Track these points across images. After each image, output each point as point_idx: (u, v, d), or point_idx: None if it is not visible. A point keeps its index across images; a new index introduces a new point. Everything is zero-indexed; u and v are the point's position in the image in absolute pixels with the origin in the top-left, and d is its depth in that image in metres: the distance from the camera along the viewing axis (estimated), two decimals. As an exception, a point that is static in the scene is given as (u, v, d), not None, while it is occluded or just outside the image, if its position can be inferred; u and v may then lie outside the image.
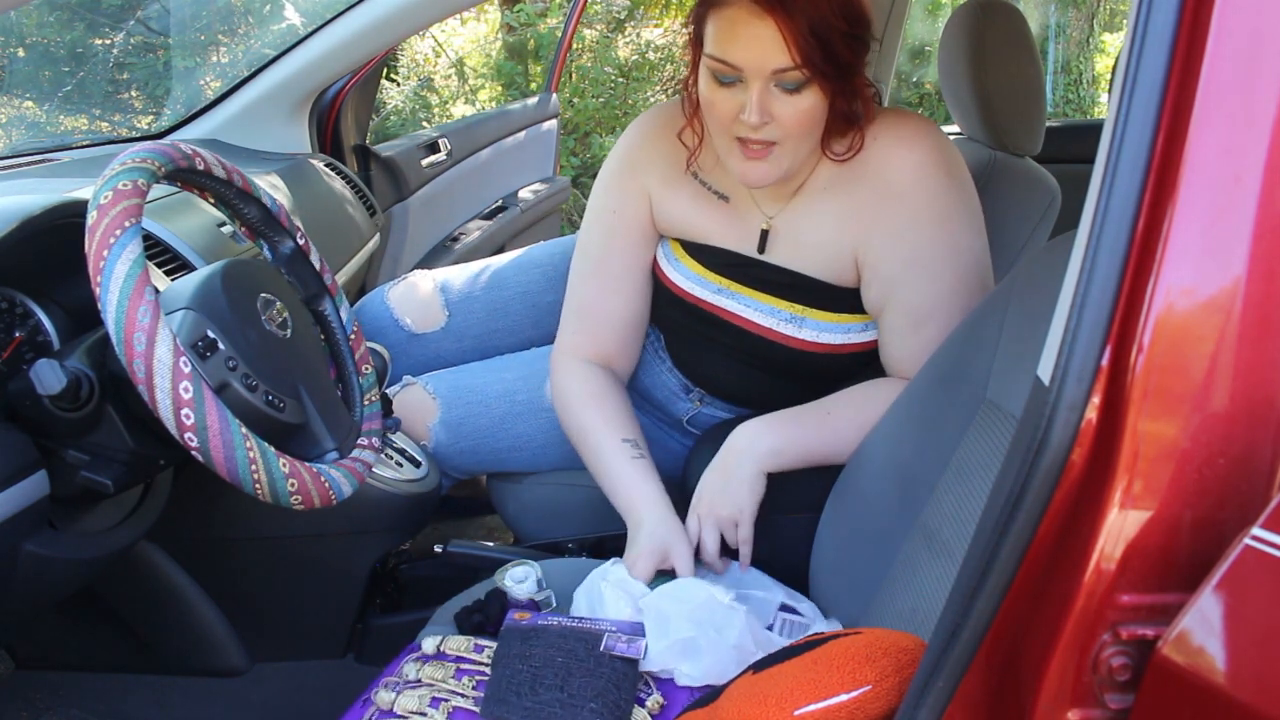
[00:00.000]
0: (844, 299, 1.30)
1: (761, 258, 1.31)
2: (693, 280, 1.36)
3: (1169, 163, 0.54)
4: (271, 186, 1.68)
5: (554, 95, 3.00)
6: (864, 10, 1.16)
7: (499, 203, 2.70)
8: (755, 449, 1.23)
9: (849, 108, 1.20)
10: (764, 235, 1.31)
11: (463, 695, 0.97)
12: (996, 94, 1.60)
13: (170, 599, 1.41)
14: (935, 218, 1.23)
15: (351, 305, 1.32)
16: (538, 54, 5.60)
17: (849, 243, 1.26)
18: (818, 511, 1.25)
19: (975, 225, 1.27)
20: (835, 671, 0.76)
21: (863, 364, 1.35)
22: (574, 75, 5.52)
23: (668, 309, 1.41)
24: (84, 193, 1.07)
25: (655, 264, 1.41)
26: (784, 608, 1.18)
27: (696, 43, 1.19)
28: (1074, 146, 1.99)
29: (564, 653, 0.97)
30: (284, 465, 0.91)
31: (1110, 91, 0.63)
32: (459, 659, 1.02)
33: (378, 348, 1.47)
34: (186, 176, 1.03)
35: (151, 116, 3.93)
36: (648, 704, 0.98)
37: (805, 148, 1.20)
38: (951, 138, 1.78)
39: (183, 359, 0.85)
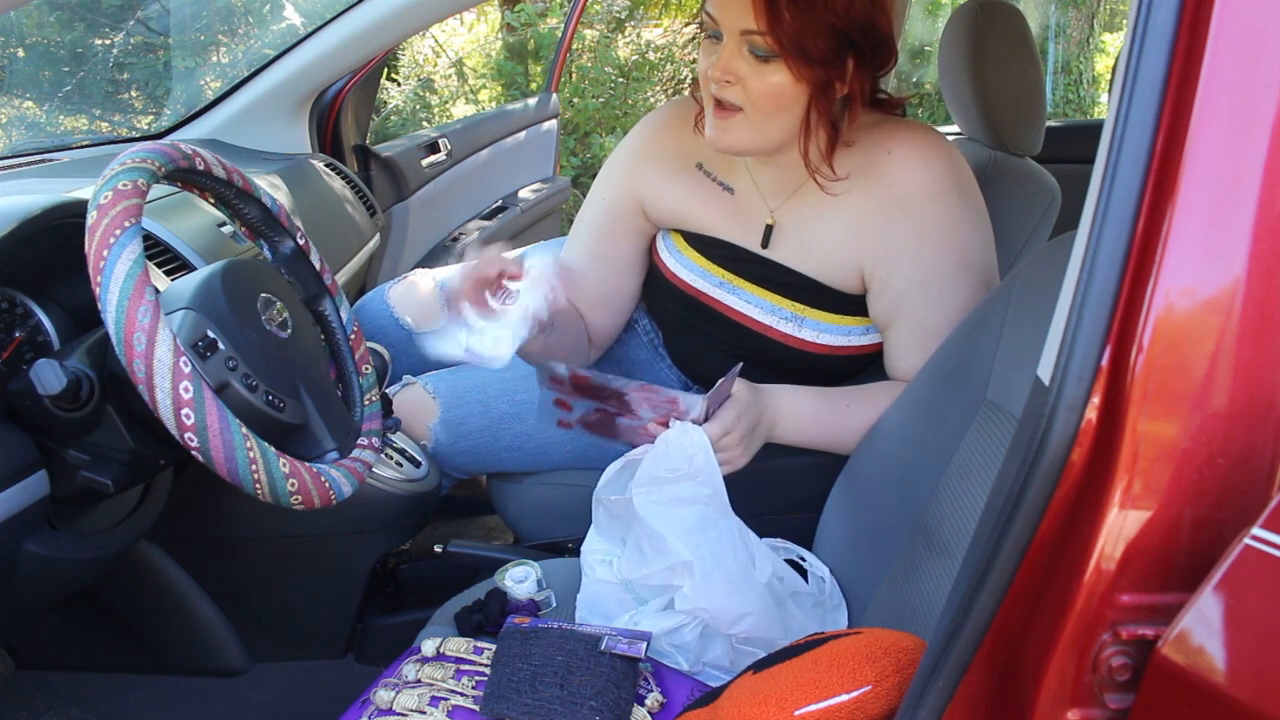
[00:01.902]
0: (845, 302, 1.30)
1: (764, 254, 1.31)
2: (694, 272, 1.36)
3: (1169, 163, 0.54)
4: (271, 186, 1.68)
5: (554, 95, 3.00)
6: (870, 20, 1.14)
7: (499, 203, 2.70)
8: (778, 424, 1.24)
9: (830, 112, 1.19)
10: (768, 231, 1.31)
11: (462, 694, 0.97)
12: (996, 94, 1.60)
13: (170, 599, 1.41)
14: (946, 236, 1.23)
15: (351, 305, 1.32)
16: (538, 54, 5.60)
17: (856, 254, 1.26)
18: (818, 512, 1.25)
19: (985, 241, 1.27)
20: (835, 671, 0.76)
21: (863, 365, 1.35)
22: (574, 75, 5.52)
23: (667, 302, 1.41)
24: (84, 193, 1.07)
25: (656, 255, 1.42)
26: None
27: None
28: (1074, 146, 1.99)
29: (564, 652, 0.97)
30: (284, 465, 0.91)
31: (1110, 91, 0.63)
32: (458, 660, 1.02)
33: (378, 348, 1.47)
34: (186, 176, 1.03)
35: (151, 116, 3.93)
36: (647, 702, 0.98)
37: (772, 128, 1.19)
38: (951, 138, 1.78)
39: (183, 359, 0.85)
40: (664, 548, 1.03)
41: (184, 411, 0.84)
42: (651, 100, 5.58)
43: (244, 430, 0.88)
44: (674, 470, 1.07)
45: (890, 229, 1.23)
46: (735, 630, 1.02)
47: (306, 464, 0.96)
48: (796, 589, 1.12)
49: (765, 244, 1.31)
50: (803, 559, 1.19)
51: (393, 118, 5.03)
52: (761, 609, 1.02)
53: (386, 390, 1.42)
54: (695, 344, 1.42)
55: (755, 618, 1.02)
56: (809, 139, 1.21)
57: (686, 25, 5.85)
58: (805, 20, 1.11)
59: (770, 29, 1.11)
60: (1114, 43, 6.31)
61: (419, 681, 0.99)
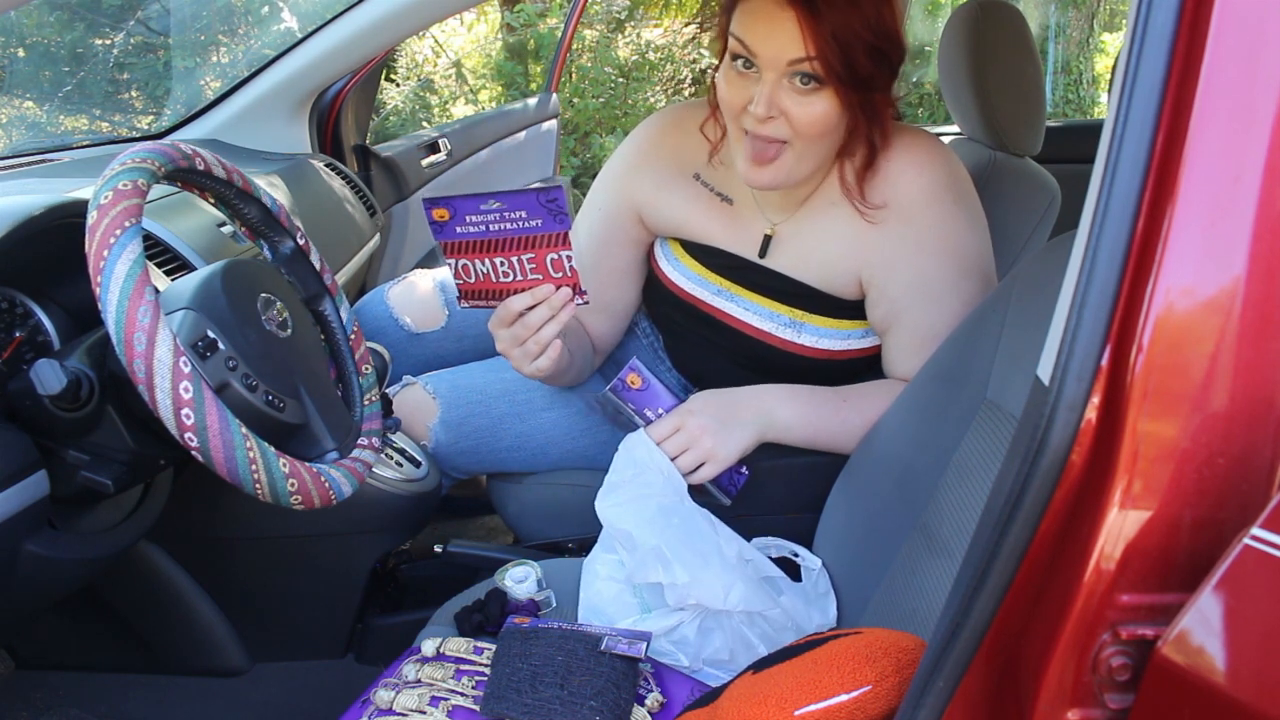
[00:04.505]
0: (844, 307, 1.30)
1: (762, 263, 1.31)
2: (692, 280, 1.36)
3: (1169, 163, 0.54)
4: (271, 186, 1.68)
5: (554, 95, 3.00)
6: (895, 31, 1.14)
7: (499, 203, 2.70)
8: (772, 415, 1.24)
9: (869, 131, 1.18)
10: (766, 240, 1.30)
11: (462, 694, 0.97)
12: (996, 94, 1.60)
13: (170, 599, 1.40)
14: (943, 243, 1.23)
15: (351, 305, 1.32)
16: (538, 54, 5.60)
17: (854, 262, 1.26)
18: (818, 511, 1.25)
19: (983, 245, 1.27)
20: (835, 671, 0.76)
21: (863, 368, 1.35)
22: (574, 75, 5.53)
23: (667, 309, 1.41)
24: (84, 193, 1.07)
25: (654, 263, 1.42)
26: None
27: (724, 31, 1.18)
28: (1074, 146, 1.99)
29: (564, 652, 0.97)
30: (284, 465, 0.91)
31: (1110, 91, 0.63)
32: (458, 660, 1.02)
33: (378, 348, 1.47)
34: (186, 176, 1.03)
35: (151, 116, 3.93)
36: (647, 702, 0.98)
37: (815, 156, 1.18)
38: (951, 138, 1.78)
39: (183, 359, 0.84)
40: (633, 543, 1.04)
41: (184, 411, 0.84)
42: (651, 100, 5.57)
43: (244, 430, 0.88)
44: (624, 473, 1.10)
45: (888, 237, 1.23)
46: (730, 604, 1.02)
47: (306, 464, 0.96)
48: (767, 574, 1.13)
49: (763, 253, 1.31)
50: (795, 554, 1.19)
51: (392, 118, 5.03)
52: (745, 580, 1.04)
53: (386, 390, 1.42)
54: (695, 349, 1.41)
55: (743, 587, 1.03)
56: (844, 163, 1.21)
57: (686, 25, 5.85)
58: (850, 43, 1.09)
59: (820, 53, 1.08)
60: (1114, 43, 6.31)
61: (419, 681, 0.99)
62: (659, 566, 1.03)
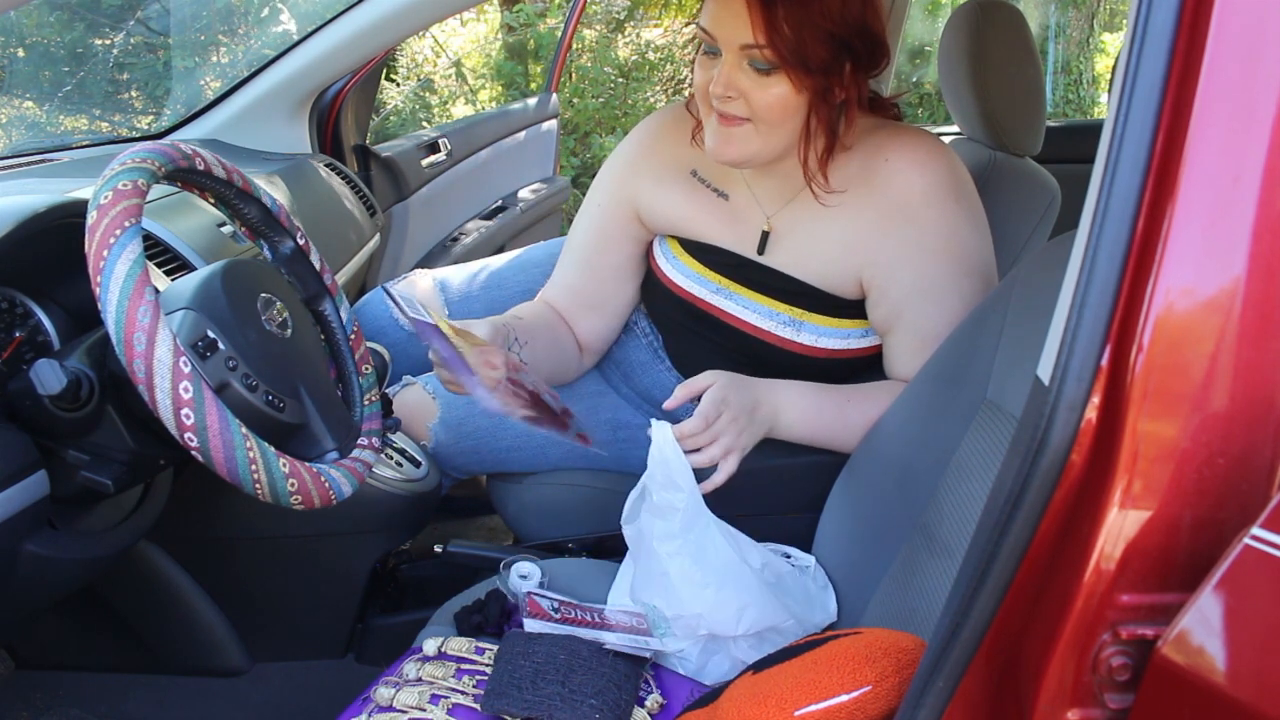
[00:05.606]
0: (844, 306, 1.30)
1: (760, 260, 1.31)
2: (691, 278, 1.36)
3: (1169, 163, 0.54)
4: (271, 186, 1.68)
5: (554, 95, 3.00)
6: (860, 19, 1.14)
7: (499, 203, 2.70)
8: (779, 415, 1.23)
9: (830, 118, 1.19)
10: (764, 237, 1.30)
11: (463, 693, 0.97)
12: (996, 94, 1.60)
13: (170, 599, 1.41)
14: (944, 243, 1.23)
15: (351, 305, 1.32)
16: (538, 54, 5.60)
17: (854, 261, 1.26)
18: (818, 511, 1.25)
19: (984, 245, 1.27)
20: (835, 672, 0.76)
21: (863, 368, 1.35)
22: (574, 75, 5.52)
23: (666, 307, 1.41)
24: (84, 193, 1.07)
25: (653, 262, 1.42)
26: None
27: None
28: (1074, 146, 1.99)
29: (567, 651, 0.98)
30: (284, 465, 0.91)
31: (1110, 91, 0.63)
32: (460, 659, 1.02)
33: (378, 348, 1.47)
34: (186, 176, 1.03)
35: (151, 116, 3.93)
36: (647, 703, 0.98)
37: (776, 138, 1.19)
38: (951, 138, 1.78)
39: (183, 359, 0.84)
40: (653, 557, 1.03)
41: (184, 411, 0.84)
42: (651, 100, 5.57)
43: (244, 430, 0.88)
44: (653, 479, 1.06)
45: (889, 237, 1.23)
46: (742, 628, 1.01)
47: (306, 464, 0.96)
48: (781, 572, 1.12)
49: (761, 250, 1.31)
50: (788, 555, 1.19)
51: (392, 118, 5.03)
52: (759, 597, 1.03)
53: (386, 390, 1.42)
54: (695, 348, 1.41)
55: (755, 608, 1.02)
56: (808, 146, 1.21)
57: (686, 25, 5.85)
58: (803, 30, 1.11)
59: (770, 42, 1.11)
60: (1114, 43, 6.31)
61: (420, 679, 0.99)
62: (664, 592, 1.02)
